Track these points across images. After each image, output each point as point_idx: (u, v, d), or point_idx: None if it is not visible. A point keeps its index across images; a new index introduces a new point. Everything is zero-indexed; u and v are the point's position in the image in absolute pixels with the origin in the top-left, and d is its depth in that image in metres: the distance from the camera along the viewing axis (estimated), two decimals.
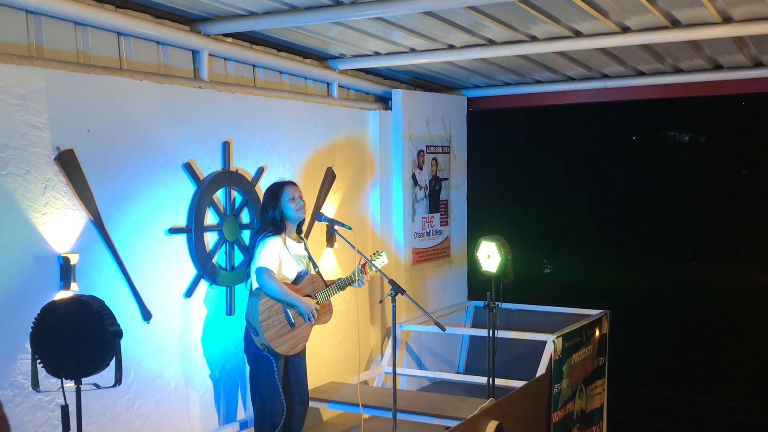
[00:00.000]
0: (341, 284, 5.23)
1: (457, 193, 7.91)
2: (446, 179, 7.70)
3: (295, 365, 5.17)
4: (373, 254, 5.39)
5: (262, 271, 4.92)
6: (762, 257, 9.82)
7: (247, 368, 5.20)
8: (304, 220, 5.27)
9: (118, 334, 3.67)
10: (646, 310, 9.78)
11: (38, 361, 3.64)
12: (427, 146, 7.37)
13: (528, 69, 7.08)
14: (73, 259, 4.31)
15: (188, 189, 5.13)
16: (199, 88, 5.23)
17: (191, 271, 5.16)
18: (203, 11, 5.06)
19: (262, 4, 4.92)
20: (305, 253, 5.23)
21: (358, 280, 5.19)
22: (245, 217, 5.56)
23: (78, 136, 4.40)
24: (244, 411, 5.57)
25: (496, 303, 5.77)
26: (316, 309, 5.07)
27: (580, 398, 6.63)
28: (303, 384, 5.25)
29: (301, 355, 5.20)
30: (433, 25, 5.48)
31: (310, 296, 5.11)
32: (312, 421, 6.04)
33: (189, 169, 5.11)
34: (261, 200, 5.55)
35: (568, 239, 10.55)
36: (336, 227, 5.24)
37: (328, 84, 6.67)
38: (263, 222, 5.12)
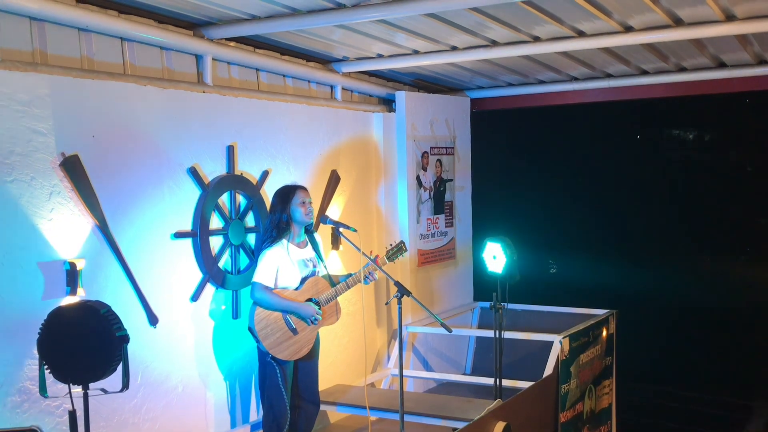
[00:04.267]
0: (349, 283, 5.21)
1: (461, 194, 7.90)
2: (451, 180, 7.69)
3: (304, 369, 5.17)
4: (390, 247, 5.34)
5: (254, 287, 4.97)
6: None
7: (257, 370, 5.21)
8: (312, 224, 5.27)
9: (125, 338, 3.68)
10: (652, 308, 9.76)
11: (45, 366, 3.65)
12: (431, 147, 7.37)
13: (531, 69, 7.07)
14: (80, 264, 4.31)
15: (193, 193, 5.14)
16: (203, 92, 5.24)
17: (197, 275, 5.17)
18: (206, 16, 5.07)
19: (264, 8, 4.93)
20: (312, 255, 5.22)
21: (367, 277, 5.17)
22: (250, 220, 5.57)
23: (83, 141, 4.42)
24: (257, 413, 5.58)
25: (503, 304, 5.76)
26: (318, 312, 5.06)
27: (589, 398, 6.62)
28: (313, 387, 5.25)
29: (312, 358, 5.20)
30: (436, 27, 5.48)
31: (311, 300, 5.10)
32: (320, 424, 6.04)
33: (194, 173, 5.12)
34: (266, 204, 5.57)
35: (574, 239, 10.53)
36: (341, 229, 5.23)
37: (332, 87, 6.68)
38: (270, 224, 5.12)
